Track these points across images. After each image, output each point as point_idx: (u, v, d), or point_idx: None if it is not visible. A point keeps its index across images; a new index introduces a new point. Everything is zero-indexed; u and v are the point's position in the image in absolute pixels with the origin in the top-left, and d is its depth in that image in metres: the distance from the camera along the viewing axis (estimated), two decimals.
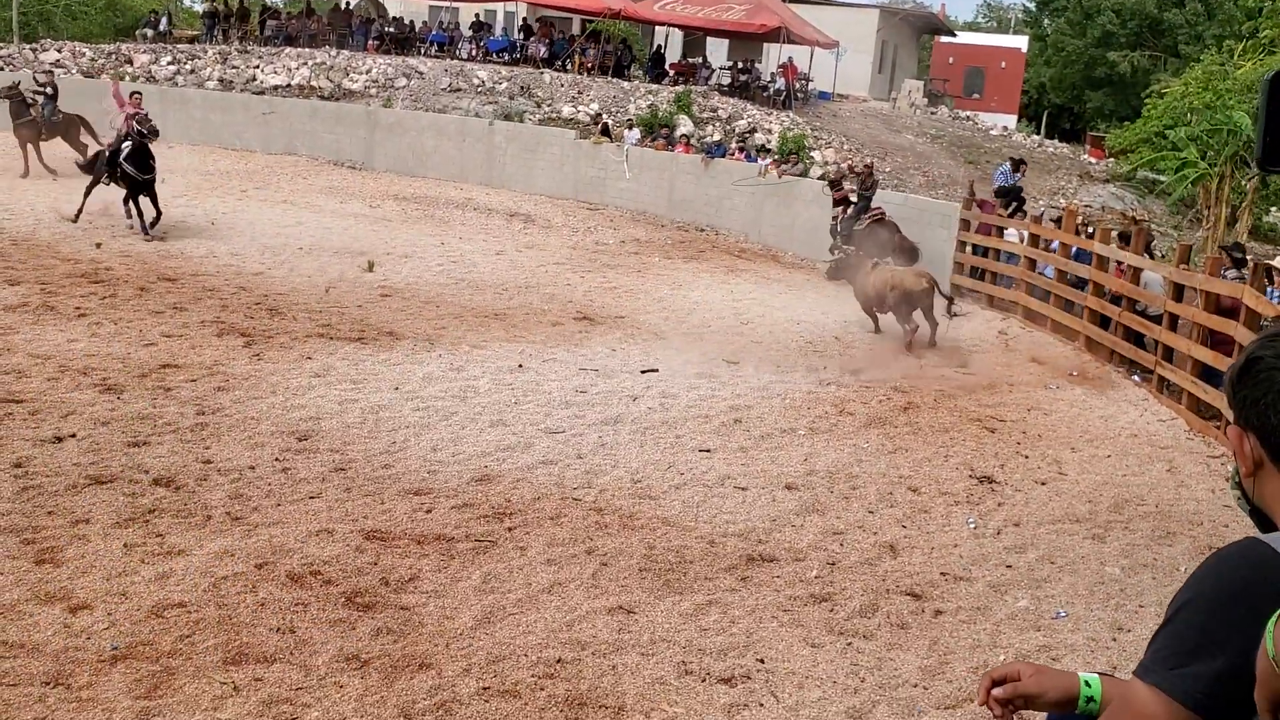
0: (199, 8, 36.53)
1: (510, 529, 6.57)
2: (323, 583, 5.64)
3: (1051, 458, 9.08)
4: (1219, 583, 1.66)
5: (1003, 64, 40.53)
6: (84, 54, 27.82)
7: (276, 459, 7.35)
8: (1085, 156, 29.03)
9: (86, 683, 4.56)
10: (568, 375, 10.09)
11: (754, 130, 24.24)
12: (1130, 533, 7.51)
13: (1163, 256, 15.81)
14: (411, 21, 32.30)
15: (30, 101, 19.12)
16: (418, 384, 9.37)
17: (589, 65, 28.70)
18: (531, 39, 29.95)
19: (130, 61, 27.47)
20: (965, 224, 17.38)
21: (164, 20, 31.48)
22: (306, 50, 28.89)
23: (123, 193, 14.74)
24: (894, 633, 5.74)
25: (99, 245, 13.65)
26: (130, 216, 14.72)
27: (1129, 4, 39.40)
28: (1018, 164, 19.87)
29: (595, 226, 20.12)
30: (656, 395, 9.72)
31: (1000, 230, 16.73)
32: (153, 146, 14.81)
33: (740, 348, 11.92)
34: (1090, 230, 15.34)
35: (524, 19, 32.90)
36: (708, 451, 8.36)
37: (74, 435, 7.38)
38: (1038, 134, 35.77)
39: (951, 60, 41.55)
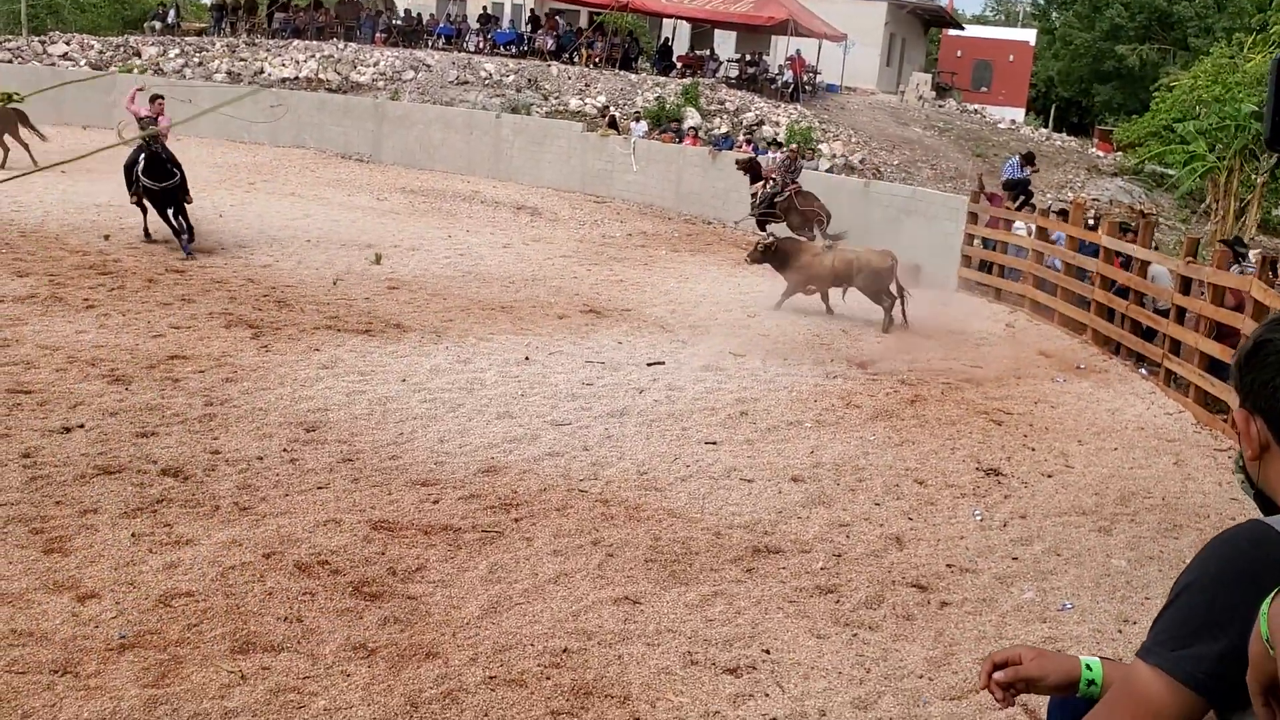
0: (207, 0, 36.56)
1: (517, 520, 6.58)
2: (330, 572, 5.67)
3: (1058, 450, 9.07)
4: (1222, 564, 1.66)
5: (1011, 57, 40.40)
6: (92, 47, 27.88)
7: (284, 450, 7.38)
8: (1093, 150, 28.95)
9: (95, 671, 4.58)
10: (574, 368, 10.11)
11: (761, 123, 24.23)
12: (1137, 525, 7.51)
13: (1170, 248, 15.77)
14: (419, 14, 32.31)
15: None
16: (425, 376, 9.39)
17: (596, 58, 28.71)
18: (539, 32, 29.95)
19: (138, 54, 27.52)
20: (973, 217, 17.36)
21: (172, 13, 31.55)
22: (314, 43, 28.94)
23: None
24: (900, 624, 5.75)
25: (107, 237, 13.69)
26: (179, 234, 13.30)
27: None
28: (1028, 159, 19.83)
29: (602, 219, 20.12)
30: (663, 388, 9.73)
31: (1008, 223, 16.72)
32: (172, 145, 13.63)
33: (747, 340, 11.92)
34: (1096, 218, 15.32)
35: (531, 11, 32.89)
36: (714, 444, 8.37)
37: (82, 426, 7.41)
38: (1046, 127, 35.68)
39: (959, 53, 41.42)
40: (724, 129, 23.78)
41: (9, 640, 4.73)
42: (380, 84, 26.36)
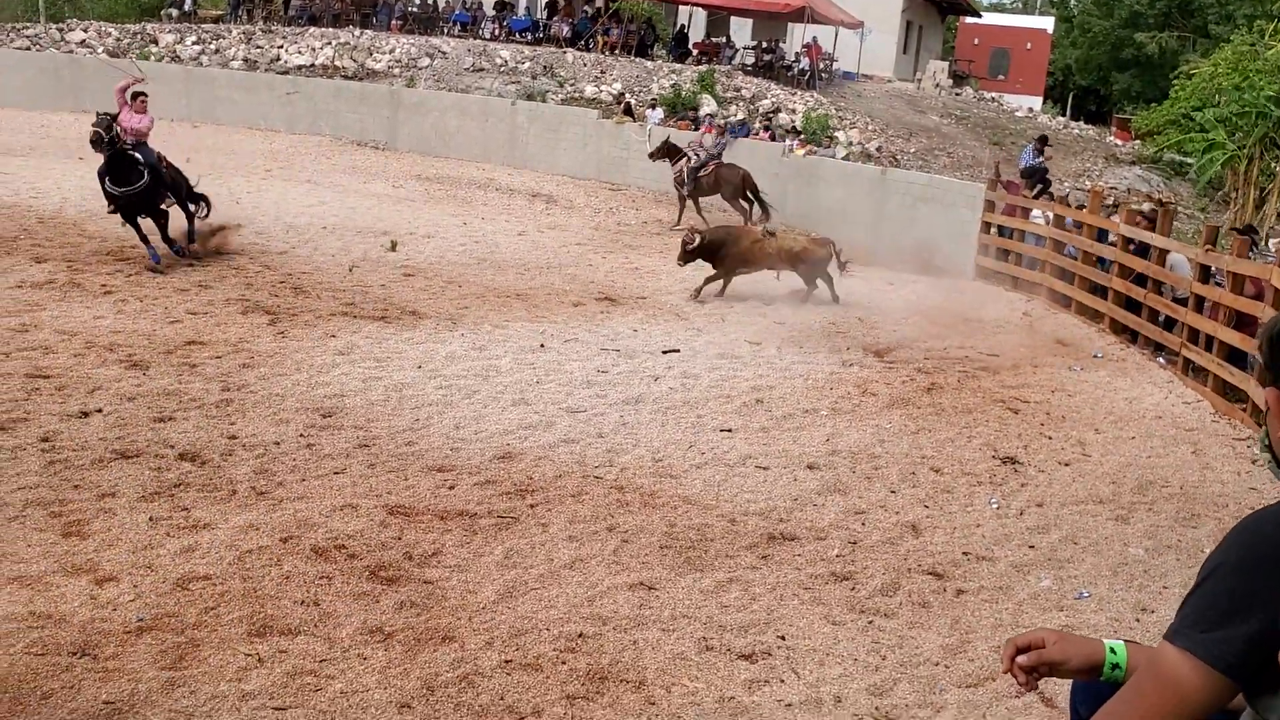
0: None
1: (532, 506, 6.59)
2: (347, 556, 5.68)
3: (1075, 439, 9.03)
4: (1250, 546, 1.65)
5: (1028, 45, 40.14)
6: (110, 34, 27.94)
7: (301, 435, 7.40)
8: (1111, 138, 28.77)
9: (113, 653, 4.60)
10: (589, 355, 10.10)
11: (778, 110, 24.15)
12: (1154, 514, 7.47)
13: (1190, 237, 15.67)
14: (435, 1, 32.28)
15: None
16: (440, 363, 9.40)
17: (612, 44, 28.64)
18: (554, 18, 29.89)
19: (155, 41, 27.58)
20: (990, 205, 17.28)
21: (189, 0, 31.57)
22: (330, 30, 28.95)
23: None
24: (915, 611, 5.74)
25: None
26: (173, 244, 12.01)
27: None
28: (1041, 142, 19.70)
29: (617, 207, 20.09)
30: (678, 375, 9.72)
31: (1026, 211, 16.63)
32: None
33: (763, 328, 11.90)
34: (1115, 205, 15.23)
35: None
36: (729, 431, 8.35)
37: (100, 410, 7.44)
38: (1063, 116, 35.47)
39: (977, 41, 41.17)
40: (740, 116, 23.70)
41: (28, 622, 4.76)
42: (396, 71, 26.36)
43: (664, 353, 10.43)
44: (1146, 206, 14.13)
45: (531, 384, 9.06)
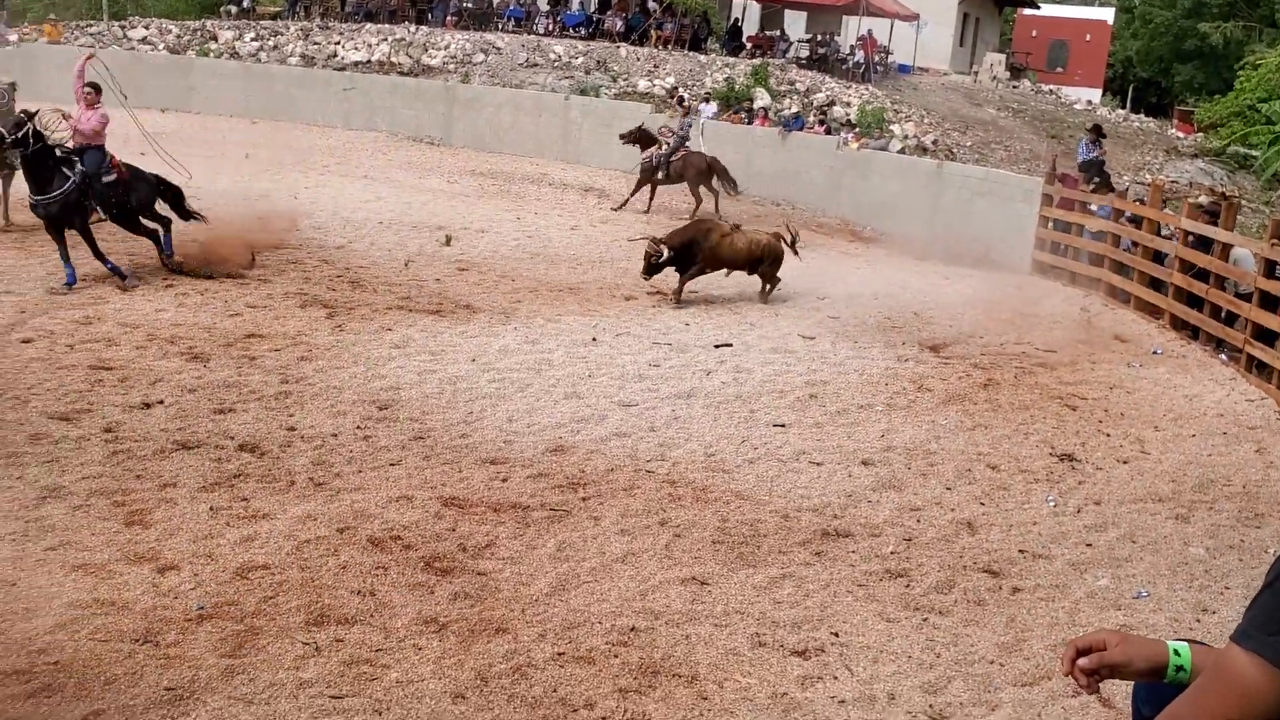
0: None
1: (584, 499, 6.61)
2: (402, 547, 5.74)
3: (1134, 436, 8.90)
4: None
5: (1087, 37, 39.52)
6: (170, 31, 28.35)
7: (358, 427, 7.48)
8: (1172, 131, 28.25)
9: (174, 640, 4.69)
10: (641, 349, 10.11)
11: (832, 103, 23.97)
12: (1215, 513, 7.34)
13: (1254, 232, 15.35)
14: None
15: None
16: (494, 356, 9.45)
17: (666, 39, 28.58)
18: (608, 13, 29.90)
19: (215, 38, 27.93)
20: (1047, 199, 17.06)
21: None
22: (386, 26, 29.15)
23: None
24: (970, 609, 5.69)
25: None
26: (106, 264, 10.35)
27: None
28: (1095, 132, 19.35)
29: (670, 201, 20.06)
30: (730, 370, 9.70)
31: (1083, 205, 16.39)
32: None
33: (816, 323, 11.84)
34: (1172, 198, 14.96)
35: None
36: (782, 426, 8.32)
37: (162, 402, 7.57)
38: (1123, 108, 34.89)
39: (1034, 33, 40.60)
40: (794, 109, 23.57)
41: (92, 609, 4.86)
42: (451, 67, 26.50)
43: (716, 347, 10.41)
44: (1205, 200, 13.85)
45: (584, 377, 9.08)
